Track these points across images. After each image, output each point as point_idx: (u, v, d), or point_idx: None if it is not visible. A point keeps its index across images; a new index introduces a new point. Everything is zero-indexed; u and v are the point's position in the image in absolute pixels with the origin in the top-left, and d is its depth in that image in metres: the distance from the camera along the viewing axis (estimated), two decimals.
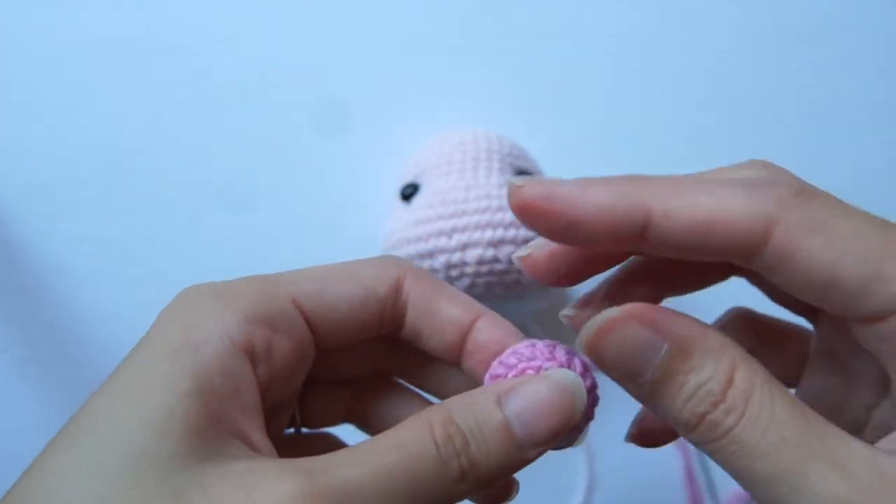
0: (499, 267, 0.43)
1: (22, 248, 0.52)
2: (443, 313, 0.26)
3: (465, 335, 0.26)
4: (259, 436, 0.22)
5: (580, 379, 0.24)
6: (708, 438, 0.21)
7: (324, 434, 0.29)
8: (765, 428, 0.20)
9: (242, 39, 0.54)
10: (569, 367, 0.24)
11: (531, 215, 0.21)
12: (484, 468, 0.22)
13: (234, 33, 0.54)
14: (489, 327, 0.26)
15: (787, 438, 0.20)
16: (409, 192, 0.47)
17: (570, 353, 0.25)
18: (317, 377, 0.28)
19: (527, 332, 0.27)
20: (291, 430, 0.29)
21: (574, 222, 0.21)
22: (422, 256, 0.44)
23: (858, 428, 0.24)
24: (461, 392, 0.24)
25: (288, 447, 0.28)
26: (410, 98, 0.54)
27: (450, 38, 0.54)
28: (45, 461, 0.19)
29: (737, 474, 0.21)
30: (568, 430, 0.23)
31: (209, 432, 0.20)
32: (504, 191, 0.44)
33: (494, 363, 0.25)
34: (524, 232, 0.43)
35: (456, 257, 0.43)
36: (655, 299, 0.26)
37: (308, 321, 0.24)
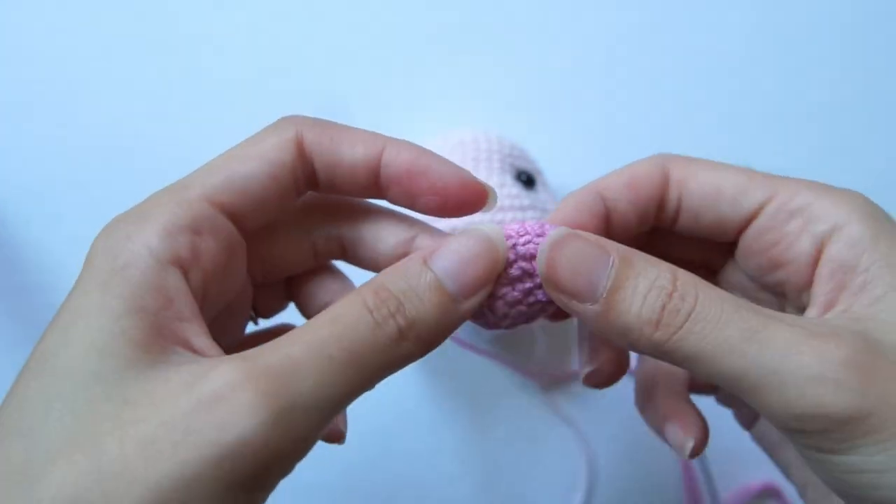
0: None
1: (22, 248, 0.52)
2: (346, 159, 0.26)
3: (375, 170, 0.27)
4: (201, 340, 0.23)
5: (499, 228, 0.25)
6: (671, 329, 0.23)
7: (286, 326, 0.30)
8: (721, 304, 0.22)
9: (243, 39, 0.54)
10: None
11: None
12: (423, 324, 0.23)
13: (234, 33, 0.54)
14: (398, 154, 0.26)
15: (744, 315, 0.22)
16: None
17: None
18: (254, 274, 0.29)
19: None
20: (253, 326, 0.30)
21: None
22: None
23: None
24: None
25: (252, 346, 0.30)
26: (410, 98, 0.54)
27: (450, 38, 0.54)
28: (18, 390, 0.22)
29: (707, 363, 0.22)
30: (493, 277, 0.24)
31: (150, 345, 0.22)
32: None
33: None
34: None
35: None
36: None
37: (227, 213, 0.25)
